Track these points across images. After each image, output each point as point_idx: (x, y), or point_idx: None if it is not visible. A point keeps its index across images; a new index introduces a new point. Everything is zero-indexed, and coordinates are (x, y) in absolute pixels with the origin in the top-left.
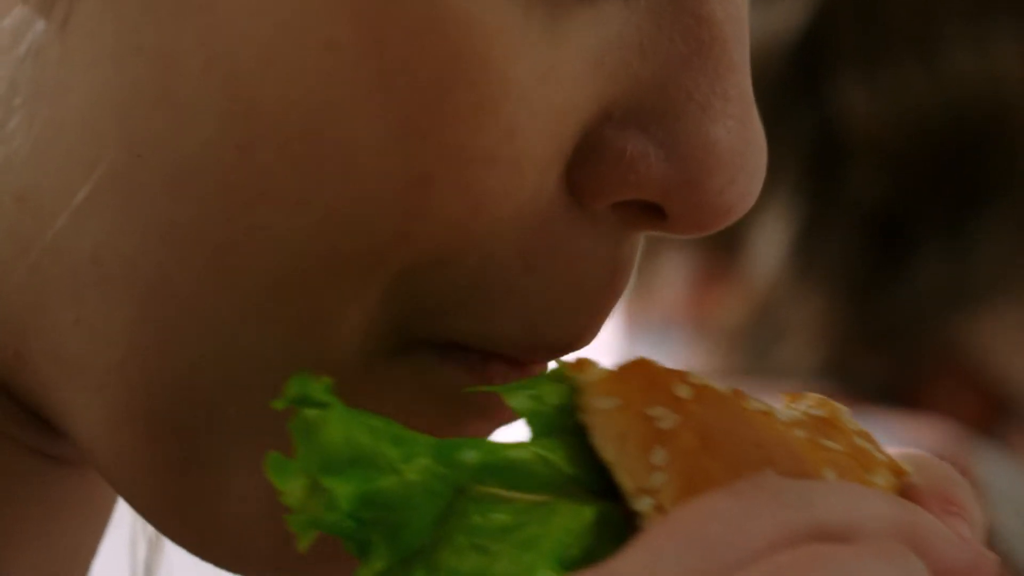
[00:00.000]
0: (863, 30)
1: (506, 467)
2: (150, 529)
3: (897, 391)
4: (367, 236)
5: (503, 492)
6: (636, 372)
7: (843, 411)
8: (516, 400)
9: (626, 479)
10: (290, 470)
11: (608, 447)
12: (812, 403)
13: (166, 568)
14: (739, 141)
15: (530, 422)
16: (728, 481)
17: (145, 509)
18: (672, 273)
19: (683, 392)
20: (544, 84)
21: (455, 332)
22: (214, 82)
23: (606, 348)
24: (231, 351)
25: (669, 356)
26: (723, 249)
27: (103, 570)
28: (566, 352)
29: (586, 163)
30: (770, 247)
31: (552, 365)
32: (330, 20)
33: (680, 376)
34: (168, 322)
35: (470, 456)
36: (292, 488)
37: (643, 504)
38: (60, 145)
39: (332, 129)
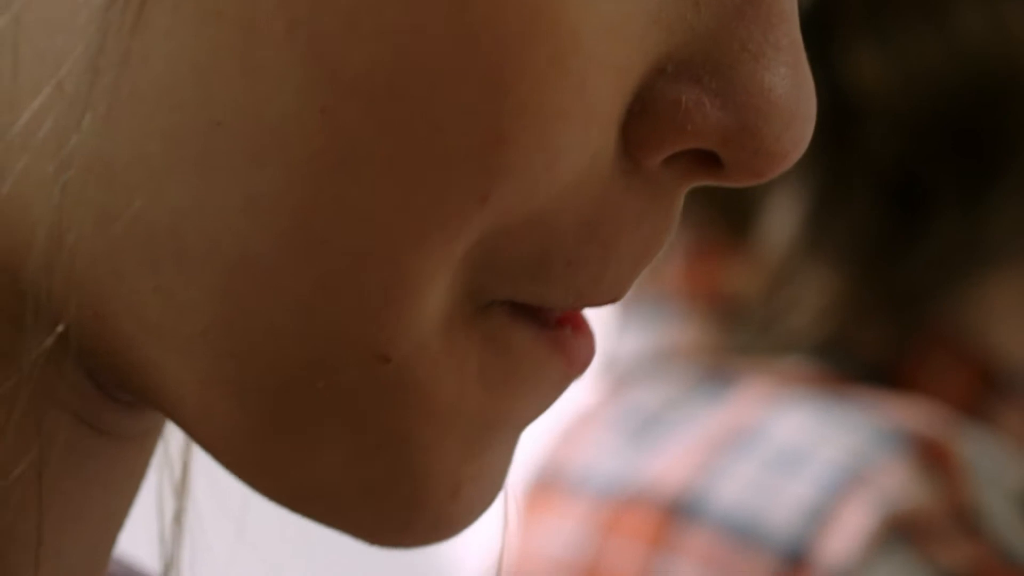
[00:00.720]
0: None
1: None
2: (177, 471)
3: (889, 368)
4: (450, 200)
5: None
6: None
7: None
8: None
9: None
10: None
11: None
12: None
13: (194, 536)
14: (792, 88)
15: None
16: None
17: (234, 467)
18: (668, 246)
19: None
20: (609, 39)
21: (517, 296)
22: (296, 46)
23: (599, 322)
24: (314, 325)
25: (662, 330)
26: (725, 222)
27: (129, 532)
28: (605, 305)
29: (640, 118)
30: (784, 217)
31: None
32: None
33: None
34: (250, 295)
35: None
36: None
37: None
38: (138, 115)
39: (416, 89)
